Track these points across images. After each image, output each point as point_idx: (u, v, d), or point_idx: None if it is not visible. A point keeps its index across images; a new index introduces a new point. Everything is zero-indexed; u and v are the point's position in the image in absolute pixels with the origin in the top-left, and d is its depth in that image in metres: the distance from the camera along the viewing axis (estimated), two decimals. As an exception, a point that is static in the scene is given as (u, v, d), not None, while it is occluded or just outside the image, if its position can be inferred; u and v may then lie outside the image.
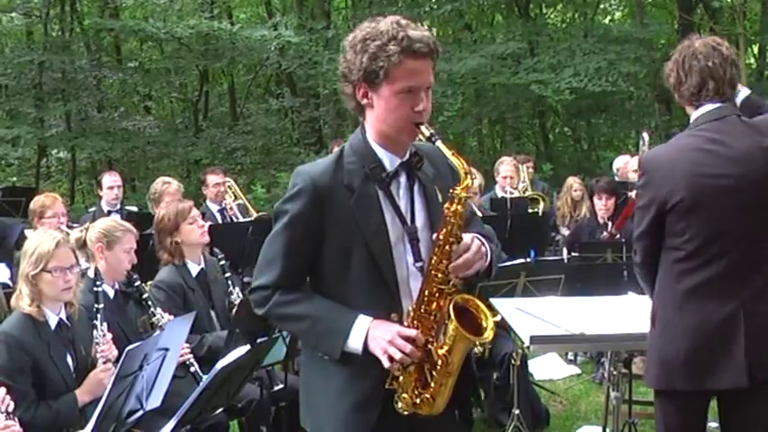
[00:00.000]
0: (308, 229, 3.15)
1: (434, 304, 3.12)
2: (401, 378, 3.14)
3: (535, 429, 6.51)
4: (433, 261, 3.10)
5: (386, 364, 3.08)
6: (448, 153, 3.09)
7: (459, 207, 3.07)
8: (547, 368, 8.31)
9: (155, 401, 4.56)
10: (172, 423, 4.50)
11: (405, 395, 3.15)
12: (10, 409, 4.02)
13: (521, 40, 17.24)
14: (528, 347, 4.47)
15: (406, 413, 3.17)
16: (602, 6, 21.66)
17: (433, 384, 3.14)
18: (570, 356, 8.71)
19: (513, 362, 6.15)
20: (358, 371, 3.15)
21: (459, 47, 17.99)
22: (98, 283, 4.89)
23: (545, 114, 20.80)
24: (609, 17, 21.99)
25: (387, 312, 3.15)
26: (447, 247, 3.08)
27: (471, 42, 18.15)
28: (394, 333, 3.07)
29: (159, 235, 5.97)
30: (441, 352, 3.11)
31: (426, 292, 3.11)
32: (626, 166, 10.70)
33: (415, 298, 3.15)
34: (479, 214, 7.12)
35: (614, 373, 5.34)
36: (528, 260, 7.68)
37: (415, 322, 3.12)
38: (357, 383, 3.18)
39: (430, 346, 3.12)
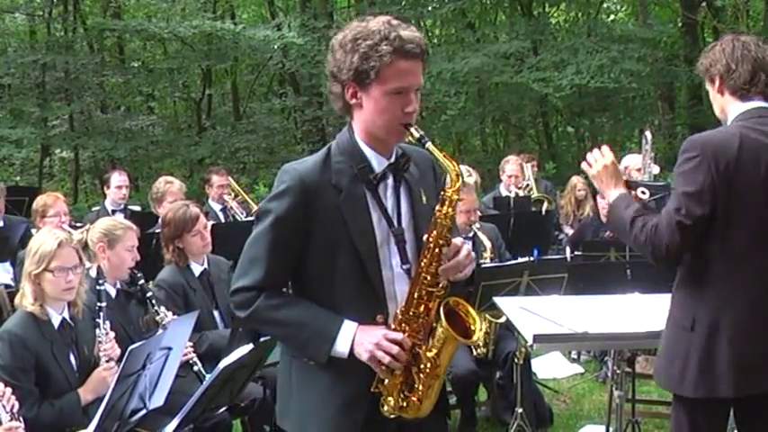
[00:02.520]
0: (294, 229, 3.10)
1: (423, 306, 3.09)
2: (386, 381, 3.11)
3: (538, 428, 6.49)
4: (422, 263, 3.07)
5: (374, 367, 3.06)
6: (439, 155, 3.07)
7: (450, 209, 3.05)
8: (550, 367, 8.30)
9: (158, 400, 4.57)
10: (175, 422, 4.49)
11: (390, 398, 3.13)
12: (15, 410, 4.02)
13: (524, 39, 17.23)
14: (531, 346, 4.46)
15: (392, 416, 3.14)
16: (605, 5, 21.66)
17: (420, 387, 3.11)
18: (574, 355, 8.70)
19: (516, 361, 6.13)
20: (343, 373, 3.12)
21: (462, 46, 17.99)
22: (100, 281, 4.89)
23: (548, 113, 20.80)
24: (612, 16, 21.99)
25: (372, 314, 3.12)
26: (437, 250, 3.06)
27: (474, 41, 18.14)
28: (380, 336, 3.05)
29: (164, 236, 5.98)
30: (429, 355, 3.08)
31: (415, 295, 3.09)
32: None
33: (404, 300, 3.11)
34: (478, 213, 7.16)
35: (618, 371, 5.33)
36: (531, 259, 7.66)
37: (403, 325, 3.09)
38: (343, 386, 3.14)
39: (417, 349, 3.10)
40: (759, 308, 3.69)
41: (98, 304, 4.77)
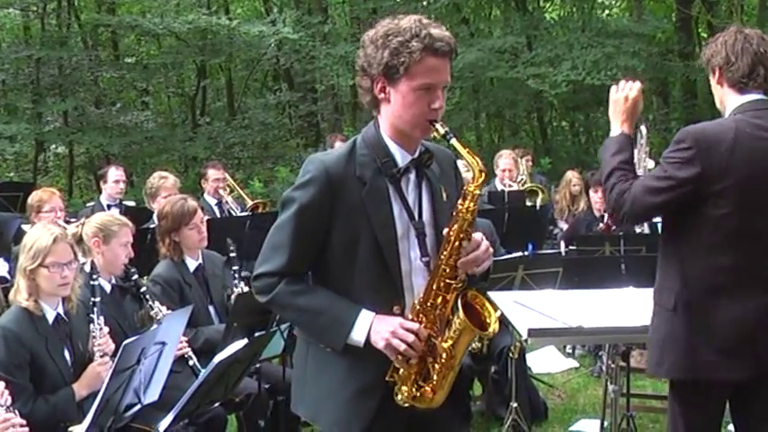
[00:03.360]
0: (318, 218, 3.17)
1: (440, 298, 3.16)
2: (401, 371, 3.16)
3: (533, 423, 6.51)
4: (442, 256, 3.14)
5: (390, 355, 3.11)
6: (463, 151, 3.14)
7: (471, 204, 3.12)
8: (545, 361, 8.32)
9: (152, 395, 4.58)
10: (170, 417, 4.50)
11: (404, 387, 3.18)
12: (8, 403, 4.02)
13: (518, 34, 17.23)
14: (526, 341, 4.49)
15: (405, 405, 3.19)
16: (599, 1, 21.67)
17: (435, 377, 3.17)
18: (568, 350, 8.73)
19: (511, 355, 6.15)
20: (359, 361, 3.17)
21: (457, 41, 17.94)
22: (94, 276, 4.87)
23: (543, 108, 20.81)
24: (607, 11, 22.01)
25: (389, 304, 3.18)
26: (457, 243, 3.13)
27: (468, 36, 18.13)
28: (396, 324, 3.11)
29: (159, 229, 5.98)
30: (445, 345, 3.15)
31: (434, 286, 3.15)
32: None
33: (422, 291, 3.18)
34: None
35: (612, 366, 5.35)
36: (526, 253, 7.67)
37: (420, 315, 3.15)
38: (358, 372, 3.20)
39: (433, 340, 3.15)
40: (743, 292, 3.71)
41: (92, 299, 4.77)
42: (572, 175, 10.41)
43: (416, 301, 3.18)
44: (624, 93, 3.99)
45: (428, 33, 3.09)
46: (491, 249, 3.23)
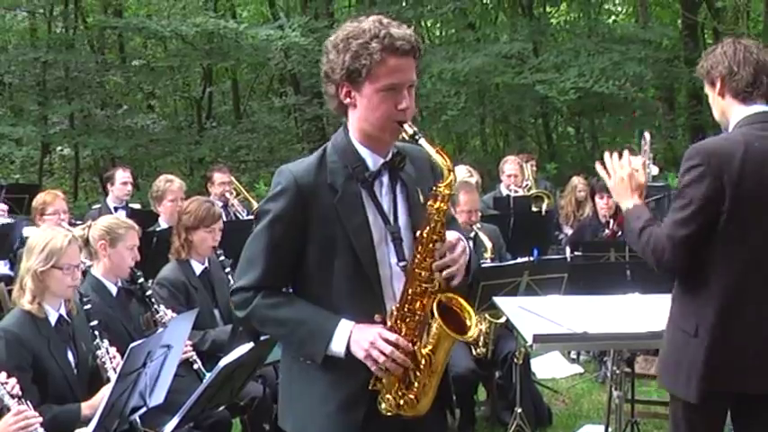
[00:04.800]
0: (291, 229, 3.12)
1: (418, 303, 3.10)
2: (384, 379, 3.12)
3: (537, 428, 6.51)
4: (416, 259, 3.09)
5: (371, 366, 3.07)
6: (432, 150, 3.08)
7: (442, 204, 3.06)
8: (549, 367, 8.31)
9: (158, 398, 4.58)
10: (175, 420, 4.51)
11: (388, 396, 3.14)
12: (20, 393, 4.02)
13: (525, 40, 17.21)
14: (531, 346, 4.47)
15: (389, 414, 3.15)
16: (606, 7, 21.66)
17: (416, 384, 3.12)
18: (573, 355, 8.71)
19: (515, 360, 6.15)
20: (342, 373, 3.13)
21: (463, 46, 17.96)
22: (85, 299, 4.79)
23: (548, 113, 20.79)
24: (613, 17, 21.99)
25: (371, 313, 3.13)
26: (430, 245, 3.07)
27: (474, 41, 18.13)
28: (375, 335, 3.06)
29: (179, 223, 6.01)
30: (424, 351, 3.10)
31: (410, 291, 3.10)
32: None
33: (399, 297, 3.13)
34: (479, 213, 7.16)
35: (617, 372, 5.35)
36: (531, 259, 7.68)
37: (399, 322, 3.10)
38: (342, 384, 3.16)
39: (413, 346, 3.10)
40: (764, 311, 3.70)
41: (90, 324, 4.72)
42: (577, 181, 10.41)
43: (394, 308, 3.12)
44: (619, 176, 3.99)
45: (388, 33, 3.03)
46: (468, 247, 3.17)
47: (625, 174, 3.98)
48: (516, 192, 10.04)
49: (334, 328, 3.09)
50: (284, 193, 3.12)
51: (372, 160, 3.18)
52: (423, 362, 3.10)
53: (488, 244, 6.92)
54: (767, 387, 3.72)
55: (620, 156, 4.03)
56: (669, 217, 3.78)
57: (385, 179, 3.20)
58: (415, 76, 3.14)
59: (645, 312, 4.55)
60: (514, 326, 4.58)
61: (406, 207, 3.22)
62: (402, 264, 3.15)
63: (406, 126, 3.08)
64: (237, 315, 3.25)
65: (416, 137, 3.07)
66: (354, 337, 3.07)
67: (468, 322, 3.13)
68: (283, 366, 3.40)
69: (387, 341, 3.05)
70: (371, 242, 3.14)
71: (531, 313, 4.61)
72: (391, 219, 3.18)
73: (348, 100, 3.13)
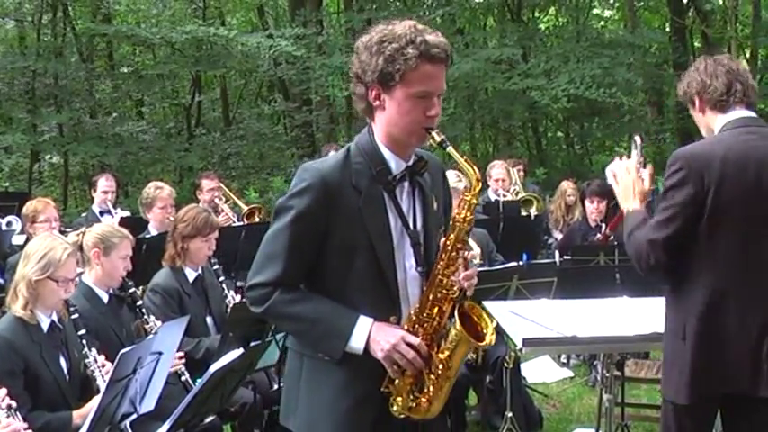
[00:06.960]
0: (314, 227, 3.13)
1: (436, 309, 3.14)
2: (397, 381, 3.14)
3: (528, 432, 6.52)
4: (439, 266, 3.13)
5: (387, 367, 3.09)
6: (460, 159, 3.11)
7: (468, 213, 3.11)
8: (540, 371, 8.33)
9: (148, 405, 4.57)
10: (165, 426, 4.50)
11: (400, 398, 3.16)
12: (13, 405, 4.01)
13: (514, 45, 17.25)
14: (521, 350, 4.50)
15: (400, 416, 3.17)
16: (594, 11, 21.72)
17: (431, 389, 3.14)
18: (563, 359, 8.73)
19: (506, 365, 6.16)
20: (355, 372, 3.15)
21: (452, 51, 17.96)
22: (71, 308, 4.77)
23: (538, 119, 20.83)
24: (601, 22, 22.05)
25: (385, 315, 3.15)
26: (454, 253, 3.12)
27: (463, 47, 18.16)
28: (399, 338, 3.08)
29: (175, 231, 5.98)
30: (441, 356, 3.13)
31: (430, 297, 3.13)
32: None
33: (419, 301, 3.16)
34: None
35: (607, 375, 5.36)
36: (521, 263, 7.69)
37: (416, 326, 3.13)
38: (355, 384, 3.17)
39: (430, 350, 3.13)
40: (747, 311, 3.73)
41: (78, 333, 4.70)
42: (567, 186, 10.43)
43: (412, 312, 3.15)
44: (625, 181, 4.08)
45: (424, 40, 3.05)
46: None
47: (630, 180, 4.06)
48: (504, 196, 10.06)
49: (354, 325, 3.11)
50: (309, 189, 3.12)
51: (396, 164, 3.21)
52: (439, 366, 3.13)
53: (477, 249, 6.92)
54: (752, 388, 3.75)
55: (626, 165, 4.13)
56: (652, 220, 3.85)
57: (406, 184, 3.23)
58: (445, 84, 3.17)
59: (634, 316, 4.57)
60: (504, 330, 4.58)
61: (423, 213, 3.25)
62: (420, 269, 3.19)
63: (434, 133, 3.10)
64: (254, 310, 3.25)
65: (444, 145, 3.09)
66: (375, 336, 3.09)
67: (484, 330, 3.16)
68: (290, 364, 3.40)
69: (410, 345, 3.08)
70: (392, 245, 3.17)
71: (520, 317, 4.62)
72: (411, 224, 3.21)
73: (377, 102, 3.15)
